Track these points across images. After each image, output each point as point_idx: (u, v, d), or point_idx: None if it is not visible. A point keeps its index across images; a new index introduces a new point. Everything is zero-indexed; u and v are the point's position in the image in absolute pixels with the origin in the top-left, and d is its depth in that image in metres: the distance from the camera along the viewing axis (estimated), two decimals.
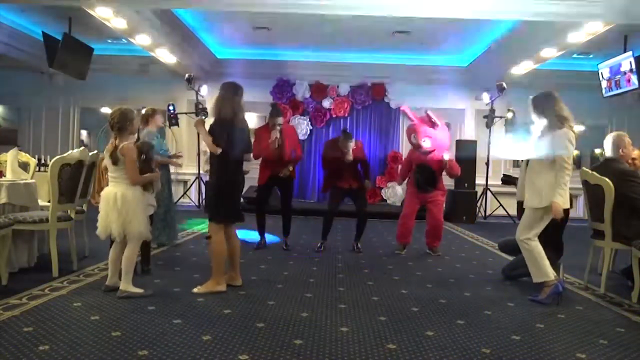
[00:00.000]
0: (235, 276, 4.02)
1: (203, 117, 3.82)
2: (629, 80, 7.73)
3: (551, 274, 3.82)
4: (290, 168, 5.68)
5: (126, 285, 3.60)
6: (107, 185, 4.53)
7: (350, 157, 5.61)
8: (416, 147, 5.87)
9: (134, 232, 3.61)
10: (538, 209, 3.84)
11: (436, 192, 5.83)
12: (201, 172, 10.10)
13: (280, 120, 5.60)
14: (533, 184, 3.88)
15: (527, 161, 4.11)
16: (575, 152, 12.00)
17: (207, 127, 3.96)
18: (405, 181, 6.16)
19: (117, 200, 3.58)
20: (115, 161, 3.62)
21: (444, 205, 6.10)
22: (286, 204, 5.90)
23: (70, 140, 11.28)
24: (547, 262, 3.84)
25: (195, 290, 3.77)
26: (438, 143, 5.83)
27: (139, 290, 3.63)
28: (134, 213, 3.62)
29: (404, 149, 11.24)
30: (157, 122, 5.21)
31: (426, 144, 5.76)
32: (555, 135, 3.77)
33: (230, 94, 3.90)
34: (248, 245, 5.74)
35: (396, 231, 6.03)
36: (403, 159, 11.12)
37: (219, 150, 3.79)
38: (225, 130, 3.81)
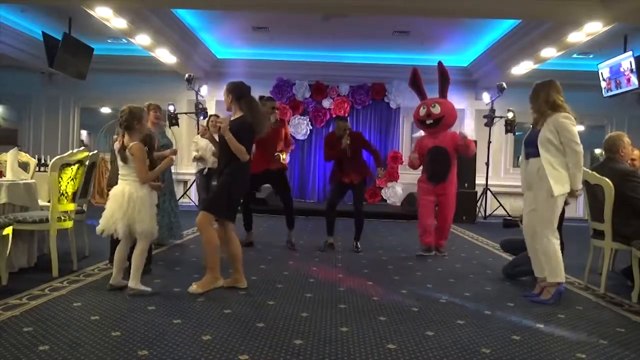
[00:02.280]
0: (239, 278, 3.95)
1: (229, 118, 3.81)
2: (628, 80, 7.74)
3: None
4: (283, 156, 5.66)
5: (135, 283, 3.62)
6: (107, 184, 4.56)
7: (347, 140, 5.60)
8: (426, 118, 5.63)
9: (144, 231, 3.61)
10: (559, 197, 3.76)
11: (449, 183, 5.57)
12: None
13: (276, 104, 5.81)
14: (552, 171, 3.75)
15: (527, 155, 3.99)
16: None
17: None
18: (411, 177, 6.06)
19: (124, 198, 3.58)
20: (124, 159, 3.62)
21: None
22: (286, 197, 5.89)
23: (70, 140, 11.29)
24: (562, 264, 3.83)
25: (191, 289, 3.70)
26: (447, 108, 5.62)
27: (147, 289, 3.66)
28: (144, 212, 3.62)
29: (404, 149, 11.25)
30: (149, 119, 5.38)
31: (436, 109, 5.58)
32: (555, 120, 3.76)
33: (255, 100, 3.98)
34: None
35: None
36: (404, 158, 11.18)
37: (247, 158, 3.80)
38: (252, 138, 3.90)
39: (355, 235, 5.94)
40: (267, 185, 6.53)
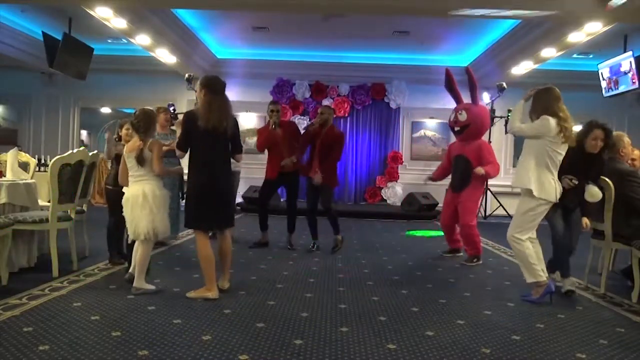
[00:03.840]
0: (222, 278, 3.82)
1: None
2: (634, 81, 7.72)
3: (543, 274, 3.82)
4: (294, 159, 5.61)
5: (140, 282, 3.66)
6: (108, 184, 4.54)
7: (319, 120, 5.57)
8: (453, 125, 5.50)
9: (157, 231, 3.65)
10: (527, 197, 3.80)
11: (467, 191, 5.32)
12: None
13: (277, 107, 5.74)
14: (520, 170, 3.88)
15: None
16: None
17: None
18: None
19: (146, 197, 3.61)
20: (142, 161, 3.63)
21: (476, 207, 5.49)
22: (292, 203, 5.93)
23: (70, 140, 11.29)
24: (537, 264, 3.82)
25: (188, 294, 3.65)
26: (474, 115, 5.35)
27: (152, 287, 3.70)
28: (162, 211, 3.68)
29: (404, 148, 11.25)
30: (160, 122, 5.41)
31: (462, 116, 5.37)
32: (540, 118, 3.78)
33: (222, 96, 3.65)
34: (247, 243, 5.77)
35: None
36: (404, 158, 11.18)
37: (178, 152, 3.75)
38: (193, 134, 3.59)
39: (334, 231, 5.86)
40: None
